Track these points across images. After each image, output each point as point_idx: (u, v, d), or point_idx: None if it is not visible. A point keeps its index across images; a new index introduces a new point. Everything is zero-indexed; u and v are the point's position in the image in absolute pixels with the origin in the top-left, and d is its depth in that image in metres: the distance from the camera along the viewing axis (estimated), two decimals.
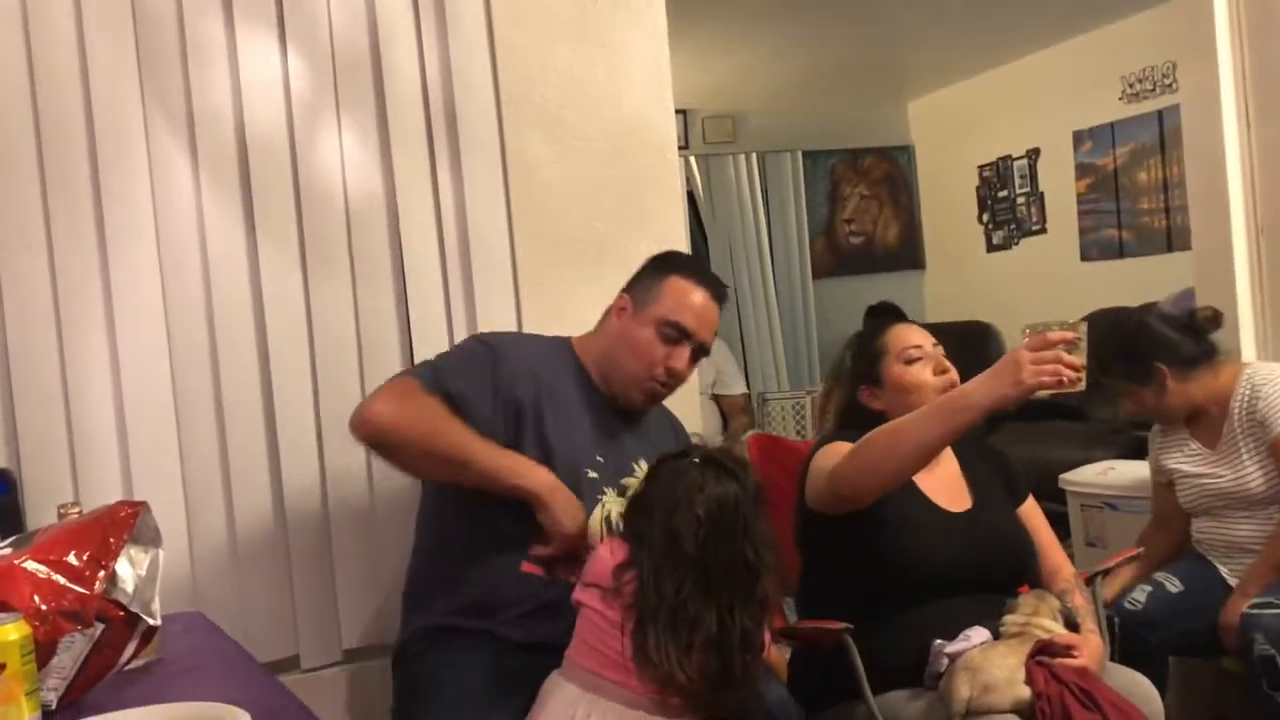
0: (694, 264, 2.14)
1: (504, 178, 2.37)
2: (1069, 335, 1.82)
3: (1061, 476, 3.35)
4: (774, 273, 6.64)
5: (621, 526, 1.85)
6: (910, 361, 2.20)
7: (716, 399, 4.41)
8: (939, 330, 6.57)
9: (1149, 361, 2.57)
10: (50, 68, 2.12)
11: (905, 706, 1.99)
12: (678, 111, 6.52)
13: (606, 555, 1.73)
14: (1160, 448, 2.72)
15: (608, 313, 2.11)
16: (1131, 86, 5.23)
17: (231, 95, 2.24)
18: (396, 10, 2.33)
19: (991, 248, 6.39)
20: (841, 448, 2.08)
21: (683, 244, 2.47)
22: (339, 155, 2.30)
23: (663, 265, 2.10)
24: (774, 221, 6.66)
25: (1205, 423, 2.61)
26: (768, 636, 1.75)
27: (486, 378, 1.96)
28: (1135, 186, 5.40)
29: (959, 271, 6.62)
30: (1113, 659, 2.38)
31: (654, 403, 2.10)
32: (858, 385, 2.26)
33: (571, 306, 2.37)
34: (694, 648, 1.62)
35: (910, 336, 2.24)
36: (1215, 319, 2.63)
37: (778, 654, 1.95)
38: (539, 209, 2.40)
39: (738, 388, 4.49)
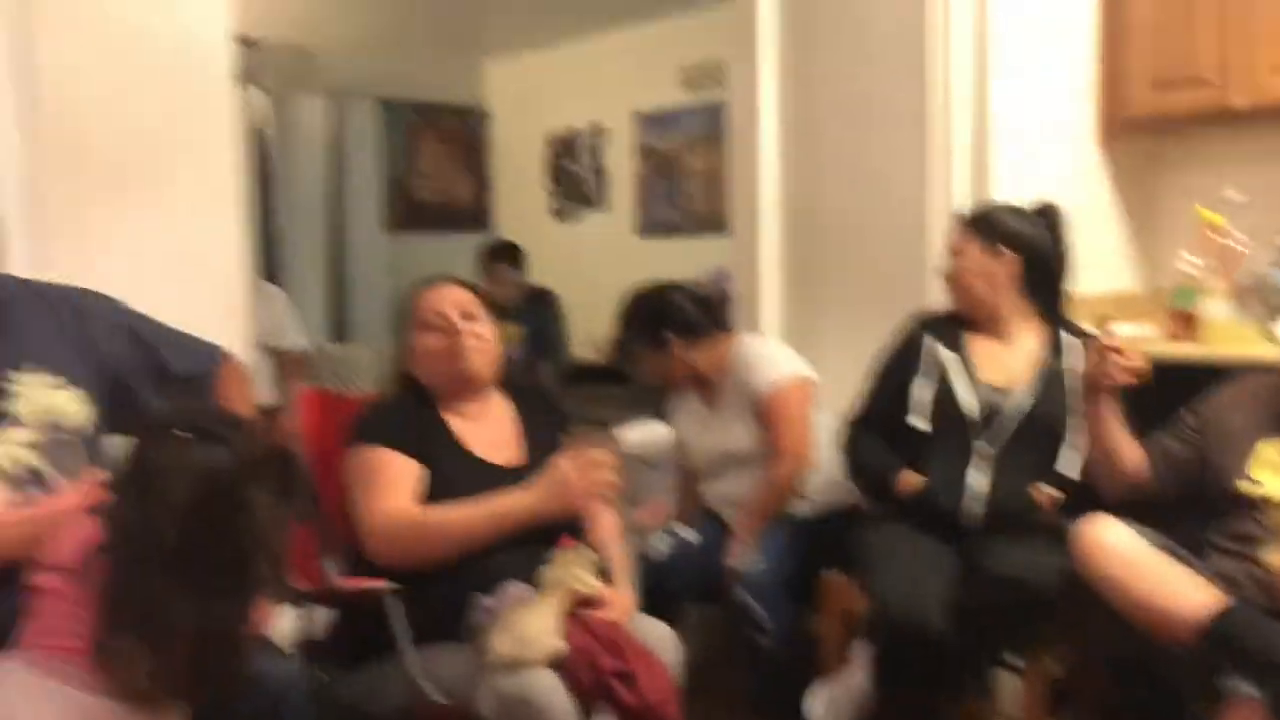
0: None
1: (28, 85, 2.06)
2: (607, 457, 2.08)
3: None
4: (345, 223, 6.43)
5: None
6: (429, 328, 2.21)
7: (272, 351, 4.18)
8: None
9: (661, 330, 2.81)
10: None
11: (443, 662, 2.00)
12: (248, 41, 6.12)
13: (72, 534, 1.50)
14: (672, 411, 2.97)
15: None
16: (689, 77, 5.59)
17: None
18: None
19: (558, 216, 6.60)
20: (378, 462, 2.09)
21: (234, 180, 2.29)
22: None
23: None
24: (346, 169, 6.44)
25: (709, 388, 2.87)
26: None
27: None
28: (690, 171, 5.79)
29: (526, 237, 6.77)
30: (641, 607, 2.56)
31: None
32: (398, 343, 2.27)
33: (107, 228, 2.12)
34: (167, 651, 1.42)
35: (438, 301, 2.23)
36: (721, 297, 2.94)
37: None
38: (68, 126, 2.11)
39: (295, 341, 4.27)
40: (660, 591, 2.64)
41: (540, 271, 6.44)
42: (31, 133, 2.09)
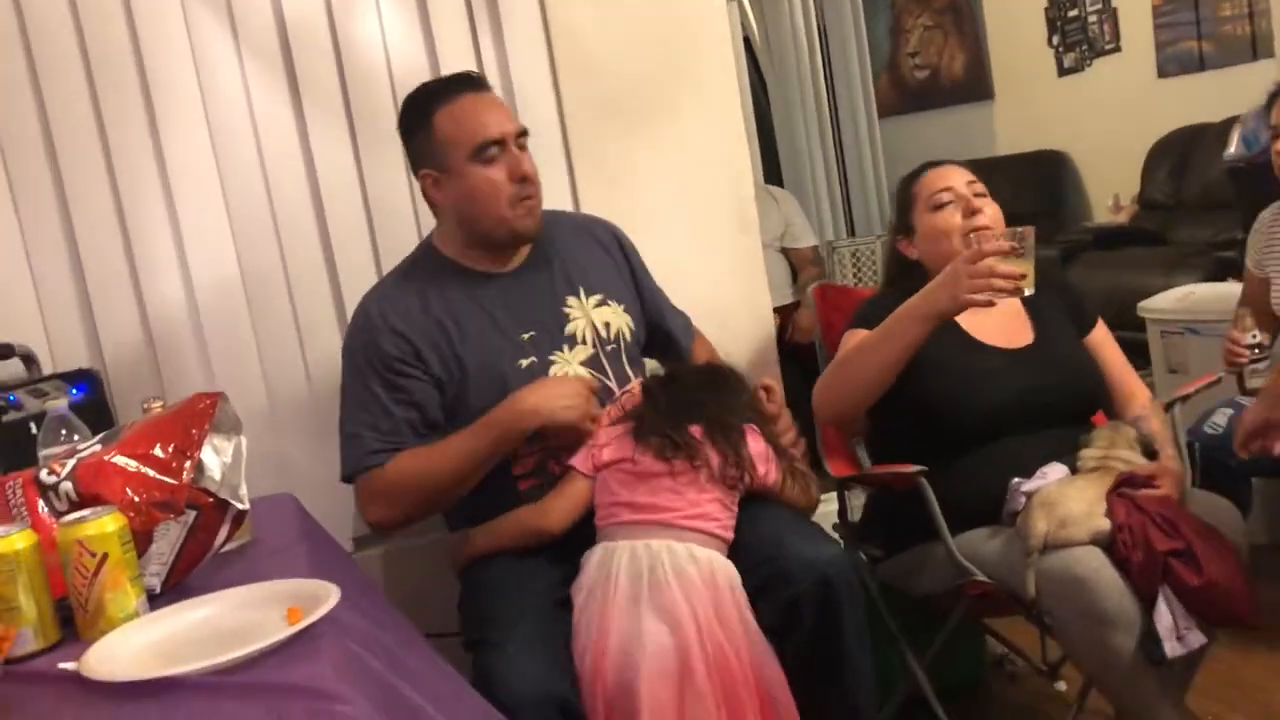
0: (438, 87, 2.00)
1: (547, 41, 2.32)
2: (1004, 245, 1.85)
3: (1140, 304, 3.27)
4: (837, 115, 6.45)
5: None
6: (939, 207, 2.14)
7: (785, 252, 4.35)
8: (1010, 161, 6.42)
9: None
10: None
11: (984, 544, 2.00)
12: None
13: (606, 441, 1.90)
14: (1267, 243, 2.60)
15: (429, 200, 2.01)
16: None
17: None
18: None
19: (1063, 71, 6.12)
20: (856, 336, 2.10)
21: (733, 92, 2.38)
22: (379, 30, 2.27)
23: (417, 114, 1.96)
24: (835, 61, 6.43)
25: None
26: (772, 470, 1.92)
27: (393, 391, 1.92)
28: None
29: (1030, 99, 6.38)
30: (1194, 484, 2.37)
31: (536, 219, 1.97)
32: (896, 235, 2.23)
33: (624, 165, 2.35)
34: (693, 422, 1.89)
35: (940, 179, 2.16)
36: None
37: (799, 494, 1.98)
38: (584, 70, 2.34)
39: (806, 240, 4.40)
40: (1221, 468, 2.43)
41: (1048, 132, 6.06)
42: (558, 88, 2.33)
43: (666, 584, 1.76)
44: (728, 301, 2.30)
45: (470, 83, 1.97)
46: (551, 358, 1.97)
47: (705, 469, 1.85)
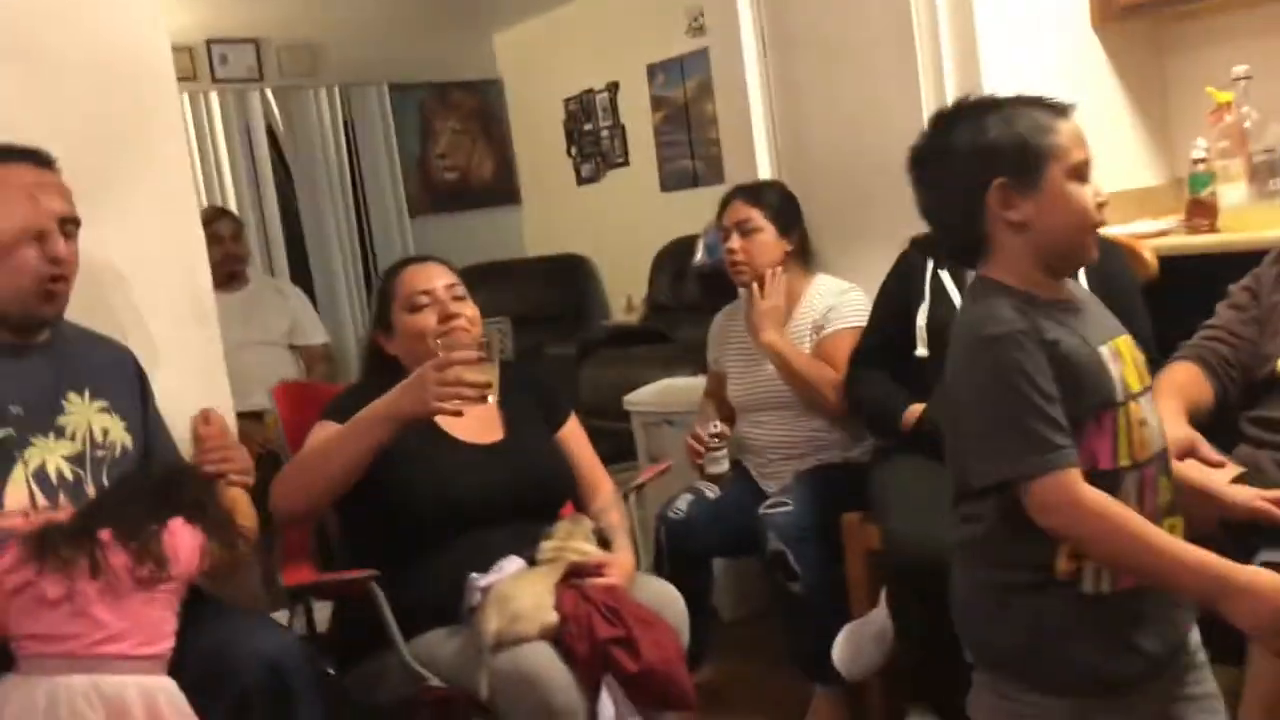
0: None
1: None
2: (470, 355, 1.94)
3: (625, 397, 3.47)
4: (368, 212, 6.44)
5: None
6: (416, 308, 2.17)
7: (294, 349, 4.19)
8: (536, 264, 6.65)
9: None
10: None
11: (442, 645, 1.98)
12: (249, 41, 6.08)
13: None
14: (722, 341, 2.85)
15: None
16: (695, 21, 5.43)
17: None
18: None
19: (581, 180, 6.52)
20: (324, 429, 2.07)
21: (188, 184, 2.25)
22: None
23: None
24: (363, 158, 6.43)
25: None
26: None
27: None
28: (703, 118, 5.65)
29: (553, 204, 6.72)
30: (658, 567, 2.51)
31: (58, 304, 1.85)
32: (375, 329, 2.23)
33: None
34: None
35: (419, 280, 2.19)
36: None
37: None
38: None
39: (316, 337, 4.27)
40: (683, 552, 2.59)
41: (570, 237, 6.39)
42: None
43: None
44: (182, 398, 2.12)
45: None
46: (32, 439, 1.78)
47: (110, 577, 1.63)
